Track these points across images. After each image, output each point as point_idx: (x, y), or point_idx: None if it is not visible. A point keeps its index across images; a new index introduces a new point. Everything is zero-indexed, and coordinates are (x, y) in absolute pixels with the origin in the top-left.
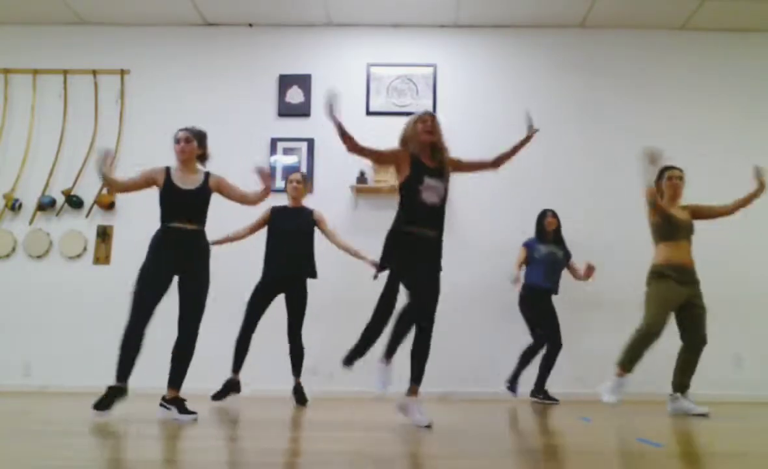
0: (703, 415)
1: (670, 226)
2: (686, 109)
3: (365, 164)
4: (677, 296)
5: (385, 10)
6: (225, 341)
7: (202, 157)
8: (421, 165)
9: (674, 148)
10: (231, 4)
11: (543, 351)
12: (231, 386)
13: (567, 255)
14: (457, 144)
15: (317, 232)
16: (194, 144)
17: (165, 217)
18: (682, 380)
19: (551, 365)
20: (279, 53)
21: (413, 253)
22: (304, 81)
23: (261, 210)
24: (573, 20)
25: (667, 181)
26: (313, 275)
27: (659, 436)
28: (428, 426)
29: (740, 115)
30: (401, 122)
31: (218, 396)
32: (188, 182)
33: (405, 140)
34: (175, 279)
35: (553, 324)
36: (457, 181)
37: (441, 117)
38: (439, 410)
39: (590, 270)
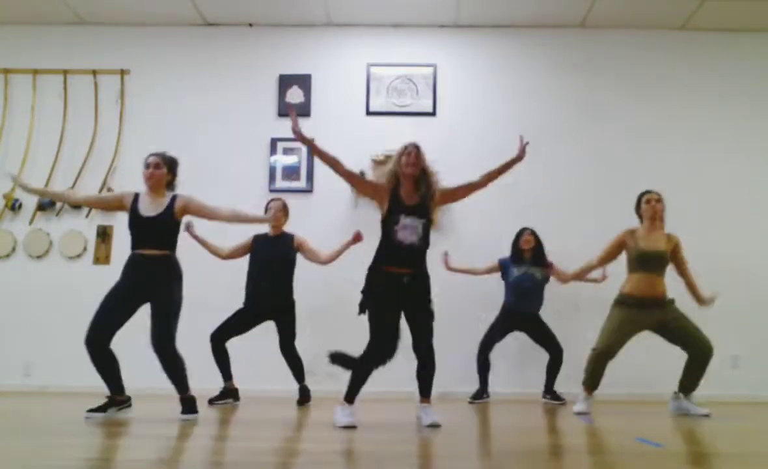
0: (705, 416)
1: (640, 259)
2: (686, 109)
3: (365, 164)
4: (637, 323)
5: (385, 10)
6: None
7: (171, 184)
8: (399, 203)
9: (674, 148)
10: (231, 4)
11: (549, 357)
12: (228, 394)
13: (546, 273)
14: (457, 144)
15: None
16: (163, 170)
17: (132, 244)
18: (686, 383)
19: (557, 369)
20: (279, 53)
21: (393, 291)
22: (304, 81)
23: (244, 235)
24: (573, 20)
25: (645, 204)
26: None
27: (659, 436)
28: (432, 425)
29: (740, 115)
30: (401, 122)
31: (215, 400)
32: (152, 208)
33: (393, 173)
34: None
35: (546, 338)
36: (456, 182)
37: (441, 117)
38: (439, 410)
39: (604, 277)
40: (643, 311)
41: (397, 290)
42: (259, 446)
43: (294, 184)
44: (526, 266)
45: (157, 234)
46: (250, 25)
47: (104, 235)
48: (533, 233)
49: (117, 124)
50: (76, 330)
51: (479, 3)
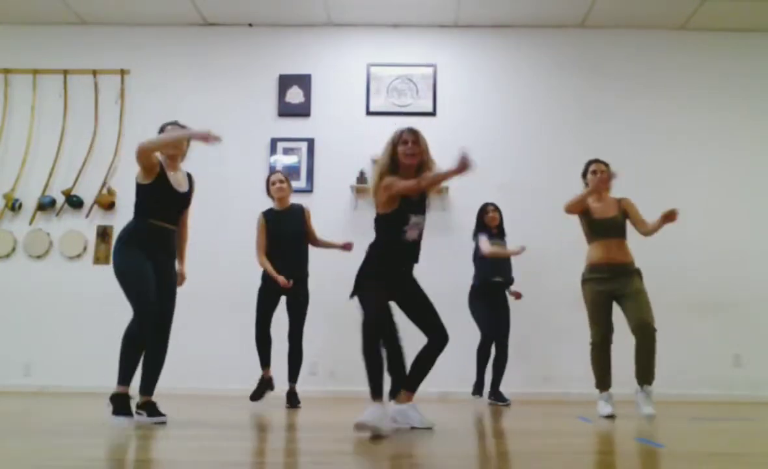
0: (649, 416)
1: (593, 228)
2: (686, 109)
3: (365, 164)
4: (601, 295)
5: (385, 10)
6: (217, 342)
7: (182, 155)
8: (408, 201)
9: (674, 147)
10: (231, 4)
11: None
12: (265, 384)
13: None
14: (457, 144)
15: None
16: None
17: (151, 213)
18: (636, 371)
19: (500, 368)
20: (279, 53)
21: (390, 280)
22: (304, 81)
23: (254, 224)
24: (573, 20)
25: (591, 175)
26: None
27: (659, 436)
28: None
29: (740, 114)
30: (401, 122)
31: (255, 396)
32: (179, 183)
33: (387, 166)
34: None
35: (501, 322)
36: (456, 183)
37: (441, 117)
38: (439, 410)
39: (518, 296)
40: (604, 281)
41: (395, 279)
42: (259, 446)
43: (294, 184)
44: (492, 241)
45: (180, 211)
46: (250, 25)
47: (104, 235)
48: (497, 209)
49: (117, 124)
50: (76, 330)
51: (479, 3)
